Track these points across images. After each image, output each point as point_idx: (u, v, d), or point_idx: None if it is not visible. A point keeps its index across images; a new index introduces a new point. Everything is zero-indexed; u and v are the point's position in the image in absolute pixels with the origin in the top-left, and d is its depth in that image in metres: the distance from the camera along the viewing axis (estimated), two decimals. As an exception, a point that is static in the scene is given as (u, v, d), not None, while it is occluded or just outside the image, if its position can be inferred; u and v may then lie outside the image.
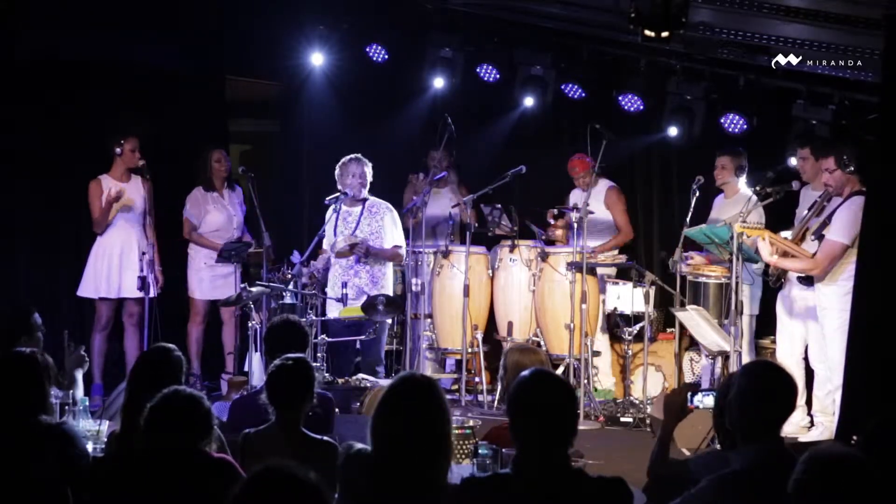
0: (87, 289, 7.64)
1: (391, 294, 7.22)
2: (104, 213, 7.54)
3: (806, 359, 6.79)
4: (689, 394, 3.76)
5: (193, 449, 3.33)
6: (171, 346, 4.17)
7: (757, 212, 6.84)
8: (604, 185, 8.10)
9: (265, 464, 2.35)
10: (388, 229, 7.34)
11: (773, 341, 7.24)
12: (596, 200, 7.92)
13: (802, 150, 6.84)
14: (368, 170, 7.31)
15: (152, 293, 7.40)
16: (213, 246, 7.83)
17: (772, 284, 6.92)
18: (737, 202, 7.23)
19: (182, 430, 3.32)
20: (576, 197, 8.10)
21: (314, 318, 6.78)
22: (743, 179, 7.40)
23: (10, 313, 6.12)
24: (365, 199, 7.35)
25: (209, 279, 7.90)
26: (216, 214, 7.94)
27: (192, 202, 7.94)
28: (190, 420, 3.34)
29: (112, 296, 7.58)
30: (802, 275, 6.58)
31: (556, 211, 8.23)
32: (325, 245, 7.39)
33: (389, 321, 7.35)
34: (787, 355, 6.80)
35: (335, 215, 7.29)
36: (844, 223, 6.20)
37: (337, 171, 7.33)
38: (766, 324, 7.34)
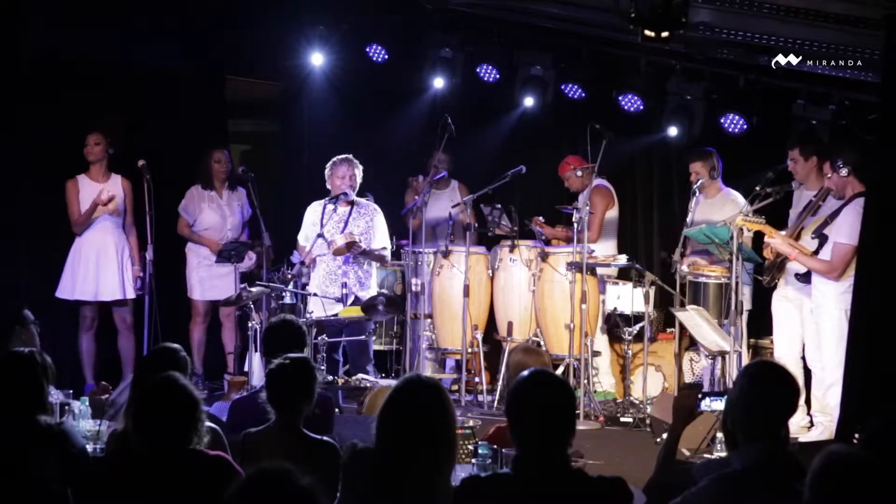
0: (64, 290, 7.57)
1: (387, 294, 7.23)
2: (87, 214, 7.52)
3: (804, 358, 6.78)
4: (699, 398, 3.74)
5: (184, 439, 3.29)
6: (175, 346, 4.16)
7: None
8: (594, 184, 8.06)
9: (258, 467, 2.34)
10: (377, 230, 7.34)
11: (773, 341, 7.24)
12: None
13: (792, 151, 6.84)
14: (358, 171, 7.31)
15: (131, 294, 7.43)
16: (207, 243, 7.84)
17: (766, 284, 6.91)
18: (720, 202, 7.25)
19: (168, 417, 3.28)
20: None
21: (314, 318, 6.78)
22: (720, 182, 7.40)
23: (2, 311, 6.15)
24: (353, 201, 7.35)
25: (206, 279, 7.90)
26: (210, 214, 7.94)
27: (187, 199, 7.96)
28: (174, 407, 3.29)
29: (88, 299, 7.53)
30: (801, 272, 6.59)
31: (541, 218, 8.27)
32: (303, 242, 7.39)
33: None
34: (786, 355, 6.79)
35: (321, 214, 7.29)
36: (852, 226, 6.19)
37: (326, 171, 7.34)
38: (766, 324, 7.34)
